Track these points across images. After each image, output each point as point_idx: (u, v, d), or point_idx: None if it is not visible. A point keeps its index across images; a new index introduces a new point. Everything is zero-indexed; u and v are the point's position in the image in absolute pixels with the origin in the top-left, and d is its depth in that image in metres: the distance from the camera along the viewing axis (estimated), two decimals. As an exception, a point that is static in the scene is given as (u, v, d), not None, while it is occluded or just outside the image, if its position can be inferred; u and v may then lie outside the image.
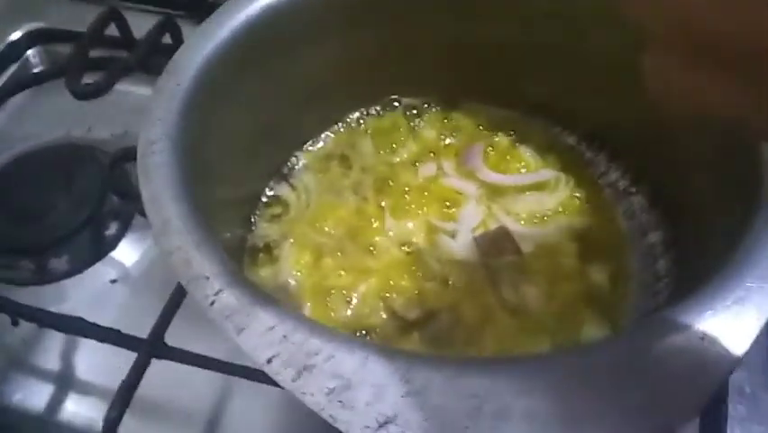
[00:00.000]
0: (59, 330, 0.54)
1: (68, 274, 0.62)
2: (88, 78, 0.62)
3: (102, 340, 0.52)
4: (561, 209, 0.54)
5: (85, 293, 0.61)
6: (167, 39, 0.68)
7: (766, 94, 0.23)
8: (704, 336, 0.31)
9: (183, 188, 0.38)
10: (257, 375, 0.47)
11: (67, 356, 0.57)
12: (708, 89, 0.25)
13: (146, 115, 0.41)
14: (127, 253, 0.63)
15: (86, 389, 0.56)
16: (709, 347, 0.31)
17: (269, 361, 0.31)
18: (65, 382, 0.56)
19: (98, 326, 0.53)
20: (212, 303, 0.33)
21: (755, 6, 0.21)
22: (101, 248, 0.63)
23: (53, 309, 0.57)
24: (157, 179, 0.38)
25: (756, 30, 0.22)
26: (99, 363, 0.56)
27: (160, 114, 0.41)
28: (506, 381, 0.30)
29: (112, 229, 0.64)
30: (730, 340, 0.31)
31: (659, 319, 0.33)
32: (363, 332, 0.48)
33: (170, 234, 0.36)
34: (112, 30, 0.70)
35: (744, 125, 0.26)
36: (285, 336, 0.31)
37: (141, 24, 0.69)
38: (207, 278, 0.34)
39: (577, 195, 0.55)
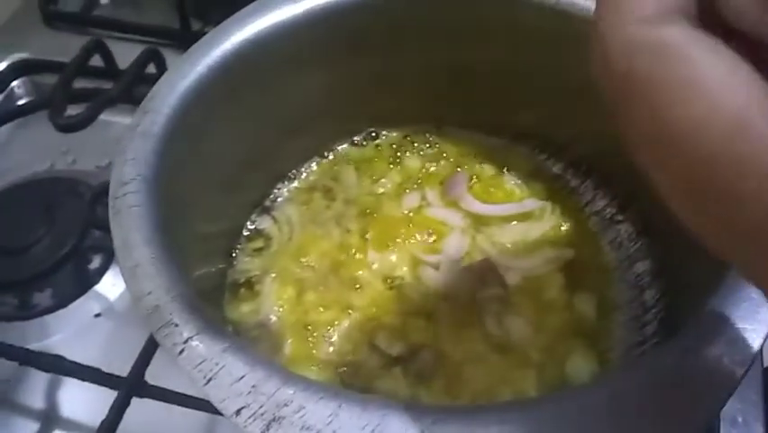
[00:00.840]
0: (40, 369, 0.53)
1: (52, 309, 0.61)
2: (72, 110, 0.61)
3: (83, 379, 0.52)
4: (546, 239, 0.53)
5: (68, 328, 0.60)
6: (151, 68, 0.68)
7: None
8: (693, 372, 0.30)
9: (156, 230, 0.38)
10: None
11: (50, 393, 0.57)
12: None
13: (118, 156, 0.40)
14: (110, 286, 0.62)
15: (68, 427, 0.56)
16: (699, 382, 0.30)
17: (237, 412, 0.30)
18: (48, 419, 0.56)
19: (79, 364, 0.52)
20: (180, 352, 0.32)
21: None
22: (84, 282, 0.62)
23: (37, 344, 0.57)
24: (128, 222, 0.37)
25: None
26: (82, 401, 0.56)
27: (134, 153, 0.40)
28: (484, 428, 0.29)
29: (95, 263, 0.63)
30: (718, 376, 0.30)
31: (644, 356, 0.32)
32: (344, 369, 0.47)
33: (140, 280, 0.35)
34: (96, 60, 0.70)
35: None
36: (255, 386, 0.30)
37: (126, 54, 0.69)
38: (177, 325, 0.33)
39: (563, 224, 0.54)
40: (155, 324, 0.33)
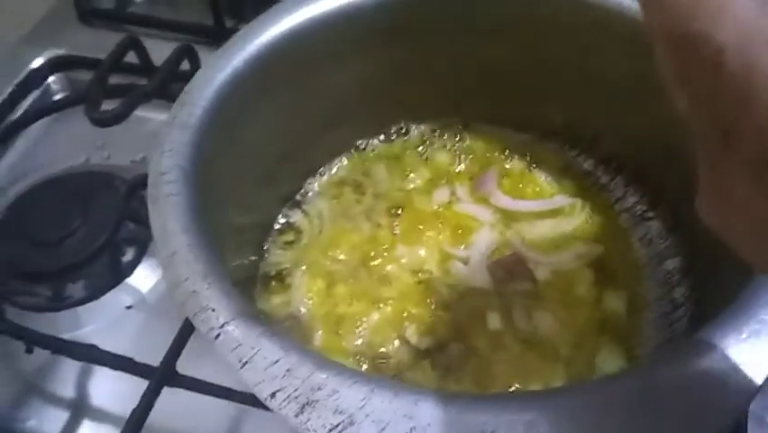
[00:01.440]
0: (73, 358, 0.54)
1: (85, 300, 0.62)
2: (108, 105, 0.62)
3: (115, 368, 0.52)
4: (576, 235, 0.53)
5: (100, 319, 0.61)
6: (185, 65, 0.69)
7: None
8: (719, 370, 0.30)
9: (193, 219, 0.38)
10: (270, 405, 0.47)
11: (81, 383, 0.57)
12: (736, 228, 0.25)
13: (156, 147, 0.41)
14: (143, 279, 0.63)
15: (99, 416, 0.56)
16: (725, 379, 0.30)
17: (272, 395, 0.30)
18: (78, 408, 0.56)
19: (111, 353, 0.53)
20: (217, 336, 0.33)
21: None
22: (117, 274, 0.63)
23: (69, 336, 0.57)
24: (166, 211, 0.38)
25: None
26: (113, 390, 0.56)
27: (171, 145, 0.41)
28: (515, 415, 0.29)
29: (128, 255, 0.64)
30: (746, 372, 0.30)
31: (671, 353, 0.32)
32: (374, 361, 0.48)
33: (178, 266, 0.36)
34: (131, 57, 0.71)
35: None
36: (289, 370, 0.31)
37: (161, 51, 0.69)
38: (213, 310, 0.34)
39: (593, 221, 0.54)
40: (192, 309, 0.34)
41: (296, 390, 0.30)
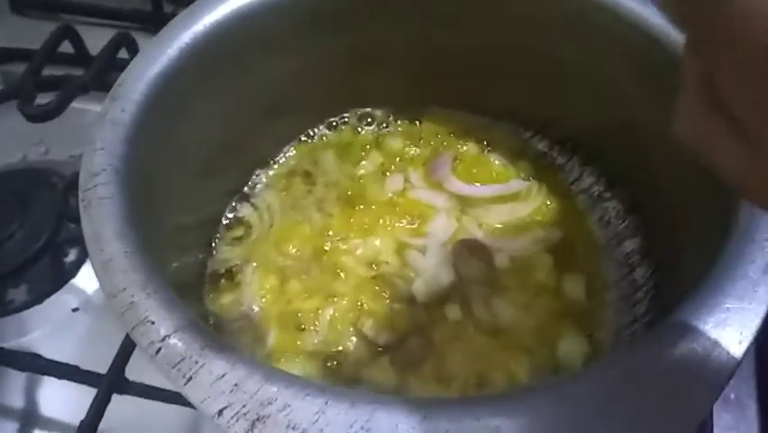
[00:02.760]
0: (17, 368, 0.52)
1: (28, 304, 0.59)
2: (43, 99, 0.59)
3: (60, 377, 0.50)
4: (534, 219, 0.52)
5: (46, 323, 0.59)
6: (123, 54, 0.66)
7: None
8: (685, 364, 0.29)
9: (129, 222, 0.36)
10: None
11: (28, 393, 0.55)
12: (718, 143, 0.23)
13: (88, 147, 0.39)
14: (88, 279, 0.61)
15: (49, 426, 0.54)
16: (691, 375, 0.29)
17: (219, 413, 0.29)
18: (27, 419, 0.54)
19: (56, 362, 0.51)
20: (157, 351, 0.31)
21: None
22: (61, 276, 0.61)
23: (14, 343, 0.55)
24: (99, 215, 0.36)
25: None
26: (62, 399, 0.54)
27: (103, 143, 0.39)
28: (479, 420, 0.28)
29: (71, 256, 0.62)
30: (712, 366, 0.29)
31: (639, 344, 0.31)
32: (331, 359, 0.46)
33: (113, 275, 0.34)
34: (66, 47, 0.68)
35: (739, 191, 0.25)
36: (237, 385, 0.29)
37: (98, 40, 0.66)
38: (153, 322, 0.31)
39: (550, 203, 0.53)
40: (130, 322, 0.32)
41: (244, 405, 0.29)
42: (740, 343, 0.30)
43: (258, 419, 0.28)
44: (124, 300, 0.33)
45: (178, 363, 0.30)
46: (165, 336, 0.31)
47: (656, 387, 0.29)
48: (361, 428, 0.28)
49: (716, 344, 0.30)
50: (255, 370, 0.30)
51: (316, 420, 0.28)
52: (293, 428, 0.28)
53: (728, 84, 0.22)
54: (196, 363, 0.30)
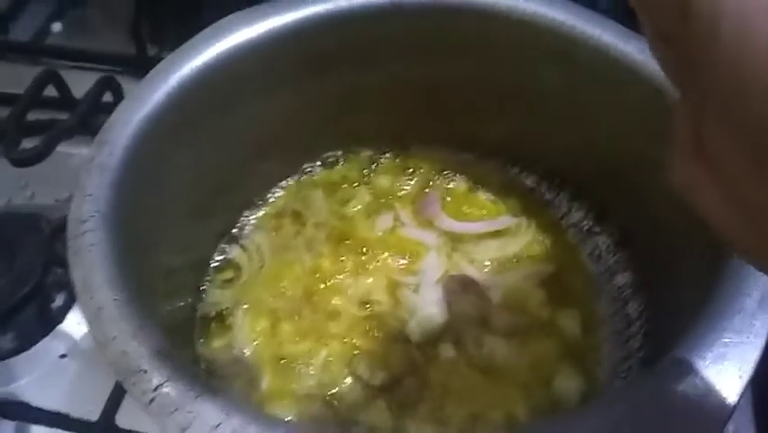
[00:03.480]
0: (5, 417, 0.51)
1: (16, 351, 0.58)
2: (28, 143, 0.59)
3: (50, 426, 0.50)
4: (524, 254, 0.52)
5: (34, 370, 0.57)
6: (108, 97, 0.66)
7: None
8: (686, 399, 0.29)
9: (119, 268, 0.36)
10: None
11: (18, 440, 0.54)
12: (709, 196, 0.23)
13: (76, 193, 0.38)
14: (75, 325, 0.59)
15: (38, 475, 0.53)
16: (693, 411, 0.29)
17: (215, 464, 0.28)
18: (15, 469, 0.53)
19: (45, 411, 0.50)
20: (151, 400, 0.30)
21: None
22: (48, 322, 0.59)
23: (2, 389, 0.54)
24: (88, 262, 0.35)
25: None
26: (53, 446, 0.53)
27: (91, 189, 0.38)
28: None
29: (58, 301, 0.61)
30: (713, 402, 0.29)
31: (636, 383, 0.31)
32: (326, 402, 0.45)
33: (104, 323, 0.33)
34: (51, 91, 0.68)
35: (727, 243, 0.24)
36: (233, 434, 0.29)
37: (82, 84, 0.66)
38: (145, 371, 0.31)
39: (541, 238, 0.53)
40: (122, 372, 0.31)
41: (241, 455, 0.28)
42: (740, 377, 0.29)
43: (255, 470, 0.28)
44: (115, 349, 0.32)
45: (173, 412, 0.30)
46: (158, 386, 0.30)
47: (657, 425, 0.29)
48: (361, 475, 0.27)
49: (716, 379, 0.29)
50: (251, 420, 0.29)
51: (315, 469, 0.27)
52: (291, 479, 0.27)
53: (720, 147, 0.22)
54: (190, 412, 0.29)
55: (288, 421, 0.30)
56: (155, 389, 0.30)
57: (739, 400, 0.29)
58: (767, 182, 0.20)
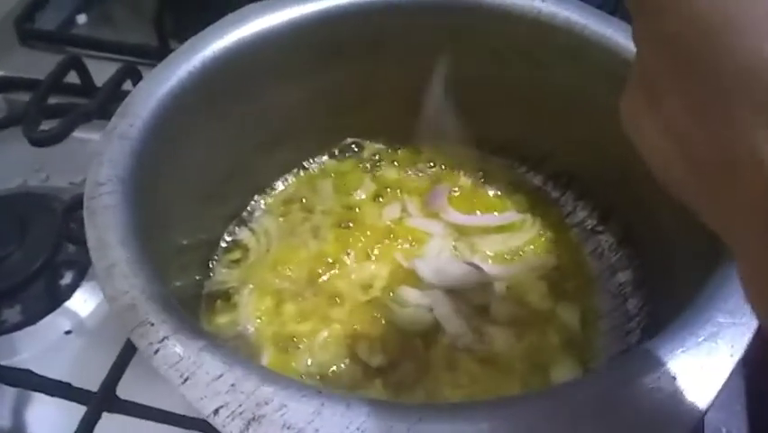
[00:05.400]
0: (7, 384, 0.52)
1: (21, 325, 0.59)
2: (47, 126, 0.60)
3: (51, 394, 0.50)
4: (528, 249, 0.53)
5: (38, 344, 0.58)
6: (128, 86, 0.67)
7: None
8: (677, 375, 0.30)
9: (132, 232, 0.37)
10: (214, 429, 0.45)
11: (17, 410, 0.54)
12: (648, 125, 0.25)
13: (95, 157, 0.39)
14: (82, 302, 0.60)
15: (36, 444, 0.53)
16: (682, 386, 0.29)
17: (215, 412, 0.29)
18: (14, 437, 0.54)
19: (48, 379, 0.50)
20: (156, 351, 0.31)
21: None
22: (55, 298, 0.60)
23: (5, 362, 0.54)
24: (103, 222, 0.36)
25: None
26: (51, 418, 0.53)
27: (110, 155, 0.40)
28: (470, 425, 0.28)
29: (67, 278, 0.62)
30: (704, 378, 0.30)
31: (630, 358, 0.32)
32: (325, 381, 0.46)
33: (115, 279, 0.34)
34: (73, 77, 0.69)
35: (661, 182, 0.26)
36: (233, 385, 0.29)
37: (103, 73, 0.68)
38: (152, 324, 0.32)
39: (544, 235, 0.54)
40: (130, 323, 0.32)
41: (240, 405, 0.29)
42: (731, 356, 0.30)
43: (253, 419, 0.28)
44: (125, 303, 0.33)
45: (176, 363, 0.30)
46: (164, 338, 0.31)
47: (647, 398, 0.29)
48: (357, 429, 0.28)
49: (707, 355, 0.30)
50: (252, 371, 0.30)
51: (312, 421, 0.28)
52: (288, 428, 0.28)
53: (661, 81, 0.24)
54: (194, 363, 0.30)
55: (286, 376, 0.30)
56: (161, 340, 0.31)
57: (729, 377, 0.30)
58: (698, 117, 0.22)
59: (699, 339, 0.31)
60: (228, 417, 0.29)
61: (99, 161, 0.39)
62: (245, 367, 0.30)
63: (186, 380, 0.30)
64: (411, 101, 0.56)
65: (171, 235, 0.46)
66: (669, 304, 0.43)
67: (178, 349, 0.31)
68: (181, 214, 0.47)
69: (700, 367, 0.30)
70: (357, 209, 0.56)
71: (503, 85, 0.53)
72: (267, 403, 0.29)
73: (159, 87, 0.44)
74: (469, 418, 0.28)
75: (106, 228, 0.36)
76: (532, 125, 0.55)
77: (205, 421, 0.44)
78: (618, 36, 0.46)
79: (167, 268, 0.43)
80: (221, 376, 0.30)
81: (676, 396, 0.29)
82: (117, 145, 0.40)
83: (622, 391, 0.29)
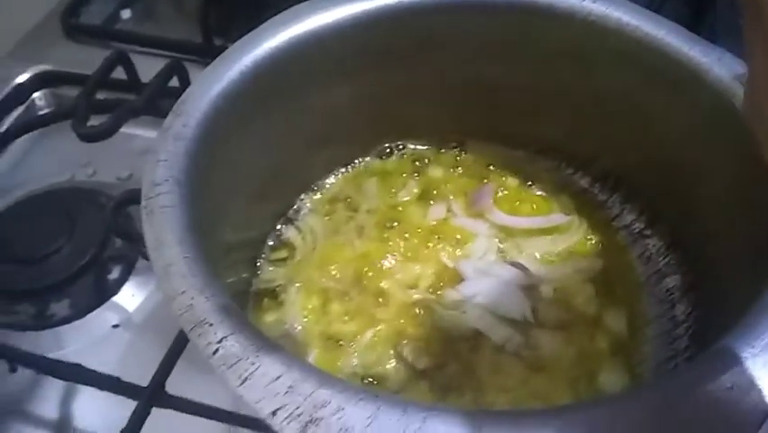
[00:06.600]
0: (58, 377, 0.53)
1: (69, 319, 0.60)
2: (95, 121, 0.61)
3: (101, 387, 0.51)
4: (575, 251, 0.53)
5: (85, 338, 0.59)
6: (174, 82, 0.68)
7: None
8: (733, 386, 0.29)
9: (188, 231, 0.37)
10: (262, 426, 0.45)
11: (65, 404, 0.56)
12: None
13: (151, 157, 0.40)
14: (130, 297, 0.61)
15: (85, 438, 0.54)
16: (739, 397, 0.29)
17: (273, 413, 0.29)
18: (63, 430, 0.55)
19: (97, 373, 0.51)
20: (215, 352, 0.31)
21: None
22: (103, 292, 0.62)
23: (53, 355, 0.55)
24: (161, 222, 0.37)
25: None
26: (99, 412, 0.54)
27: (166, 155, 0.40)
28: (532, 431, 0.28)
29: (115, 273, 0.63)
30: (761, 389, 0.29)
31: (683, 369, 0.31)
32: (370, 380, 0.46)
33: (173, 278, 0.34)
34: (119, 73, 0.70)
35: None
36: (291, 387, 0.30)
37: (148, 68, 0.69)
38: (211, 324, 0.32)
39: (591, 238, 0.54)
40: (189, 323, 0.33)
41: (298, 407, 0.29)
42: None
43: (311, 421, 0.29)
44: (183, 303, 0.33)
45: (235, 363, 0.31)
46: (222, 338, 0.32)
47: (701, 412, 0.29)
48: (414, 433, 0.28)
49: (762, 370, 0.30)
50: (310, 373, 0.30)
51: (368, 425, 0.28)
52: (345, 431, 0.28)
53: None
54: (252, 364, 0.31)
55: (343, 380, 0.31)
56: (219, 341, 0.32)
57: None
58: None
59: (755, 350, 0.30)
60: (286, 419, 0.29)
61: (155, 161, 0.40)
62: (303, 369, 0.30)
63: (244, 381, 0.30)
64: (455, 102, 0.56)
65: (221, 234, 0.47)
66: (719, 311, 0.43)
67: (237, 350, 0.31)
68: (231, 213, 0.48)
69: (757, 378, 0.29)
70: (401, 209, 0.56)
71: (551, 85, 0.53)
72: (324, 406, 0.29)
73: (211, 87, 0.45)
74: (529, 424, 0.28)
75: (164, 228, 0.37)
76: (579, 126, 0.55)
77: (253, 418, 0.45)
78: (671, 38, 0.46)
79: (217, 266, 0.44)
80: (279, 378, 0.30)
81: (731, 409, 0.29)
82: (172, 145, 0.41)
83: (676, 404, 0.29)
